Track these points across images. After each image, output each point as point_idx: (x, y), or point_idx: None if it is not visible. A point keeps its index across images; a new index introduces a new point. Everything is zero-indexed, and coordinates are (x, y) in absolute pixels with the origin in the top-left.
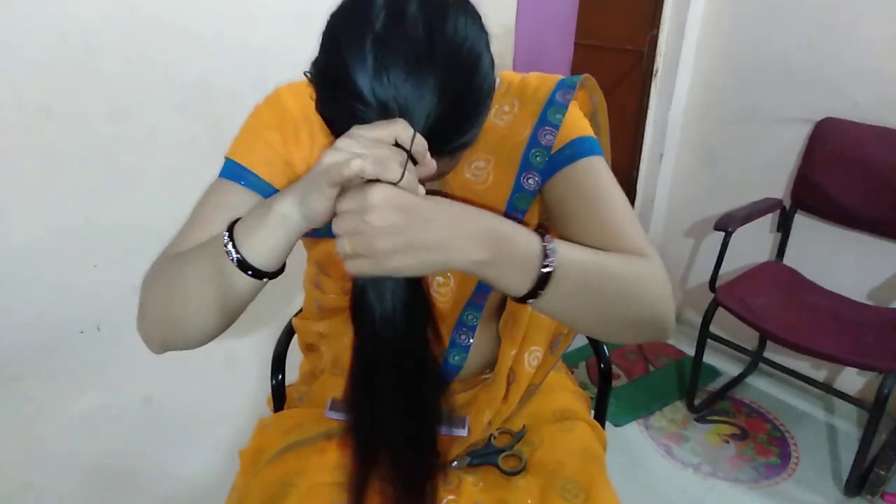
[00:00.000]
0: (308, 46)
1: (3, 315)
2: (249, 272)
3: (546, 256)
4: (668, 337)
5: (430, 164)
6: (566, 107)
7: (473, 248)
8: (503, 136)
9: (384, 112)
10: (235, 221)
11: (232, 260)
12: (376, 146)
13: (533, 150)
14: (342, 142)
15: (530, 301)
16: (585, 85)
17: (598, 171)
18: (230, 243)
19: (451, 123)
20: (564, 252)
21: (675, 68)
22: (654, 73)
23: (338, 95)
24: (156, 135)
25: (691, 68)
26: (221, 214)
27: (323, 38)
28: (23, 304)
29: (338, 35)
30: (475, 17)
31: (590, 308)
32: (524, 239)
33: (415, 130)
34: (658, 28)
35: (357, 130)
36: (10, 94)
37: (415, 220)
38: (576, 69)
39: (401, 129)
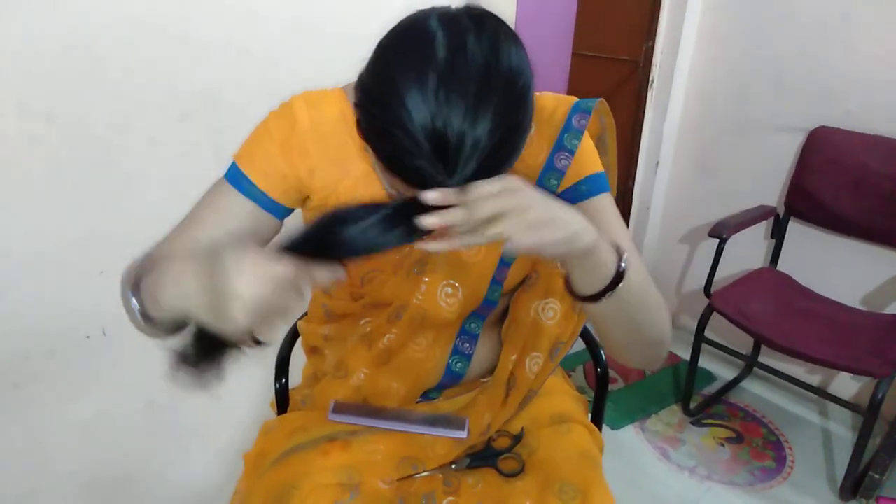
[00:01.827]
0: (309, 55)
1: (8, 321)
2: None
3: (619, 268)
4: (657, 365)
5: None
6: (582, 132)
7: (587, 233)
8: (519, 158)
9: (437, 145)
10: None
11: (132, 309)
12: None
13: (548, 175)
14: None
15: (589, 304)
16: (597, 108)
17: (608, 209)
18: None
19: (501, 156)
20: (632, 267)
21: (670, 78)
22: (649, 83)
23: (390, 127)
24: (158, 143)
25: (686, 78)
26: (216, 217)
27: (375, 62)
28: (28, 310)
29: (394, 61)
30: (522, 46)
31: (628, 323)
32: (607, 245)
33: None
34: (654, 39)
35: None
36: (13, 102)
37: (551, 201)
38: (573, 79)
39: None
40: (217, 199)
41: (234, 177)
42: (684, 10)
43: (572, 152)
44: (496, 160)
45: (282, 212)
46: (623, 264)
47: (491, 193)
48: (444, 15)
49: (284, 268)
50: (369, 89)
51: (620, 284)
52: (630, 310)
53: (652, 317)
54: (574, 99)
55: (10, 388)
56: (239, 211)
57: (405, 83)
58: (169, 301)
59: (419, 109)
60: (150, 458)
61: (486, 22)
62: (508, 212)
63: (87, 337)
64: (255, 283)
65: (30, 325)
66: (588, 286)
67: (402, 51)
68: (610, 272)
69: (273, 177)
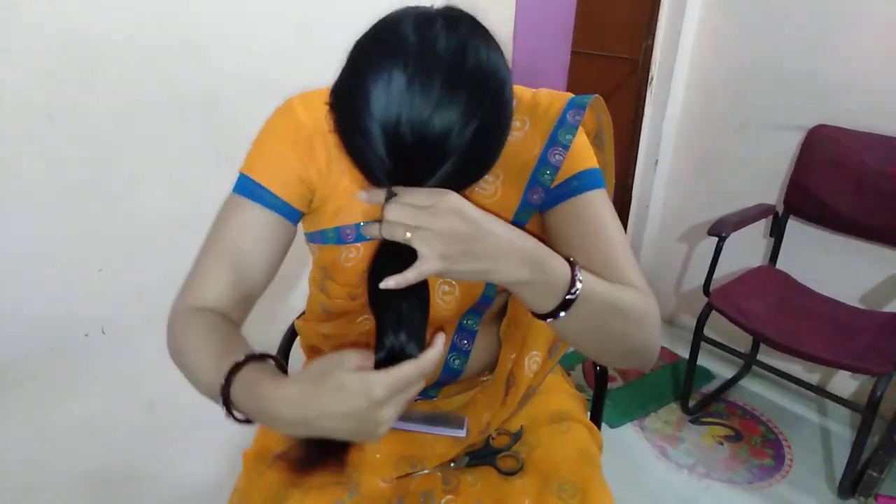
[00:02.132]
0: (310, 55)
1: (8, 319)
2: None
3: (573, 284)
4: (649, 367)
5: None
6: (576, 127)
7: (517, 268)
8: (513, 152)
9: (402, 146)
10: (241, 365)
11: (225, 410)
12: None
13: (542, 169)
14: (378, 399)
15: (549, 320)
16: (593, 104)
17: (601, 205)
18: (224, 408)
19: (475, 157)
20: (588, 282)
21: (669, 76)
22: (649, 81)
23: (354, 126)
24: (158, 141)
25: (686, 76)
26: (242, 238)
27: (346, 63)
28: (27, 309)
29: (362, 61)
30: (495, 45)
31: (596, 334)
32: (559, 266)
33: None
34: (653, 37)
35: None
36: (14, 100)
37: (477, 232)
38: (572, 77)
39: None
40: (239, 219)
41: (250, 190)
42: (684, 8)
43: (566, 147)
44: (467, 162)
45: (298, 217)
46: (576, 287)
47: (412, 204)
48: (420, 16)
49: (408, 375)
50: (338, 90)
51: (573, 306)
52: (592, 325)
53: (624, 327)
54: (569, 95)
55: (10, 386)
56: (262, 224)
57: (372, 82)
58: (276, 427)
59: (383, 109)
60: (149, 456)
61: (459, 23)
62: (421, 228)
63: (86, 335)
64: (397, 408)
65: (29, 323)
66: (535, 306)
67: (370, 51)
68: (557, 296)
69: (292, 183)
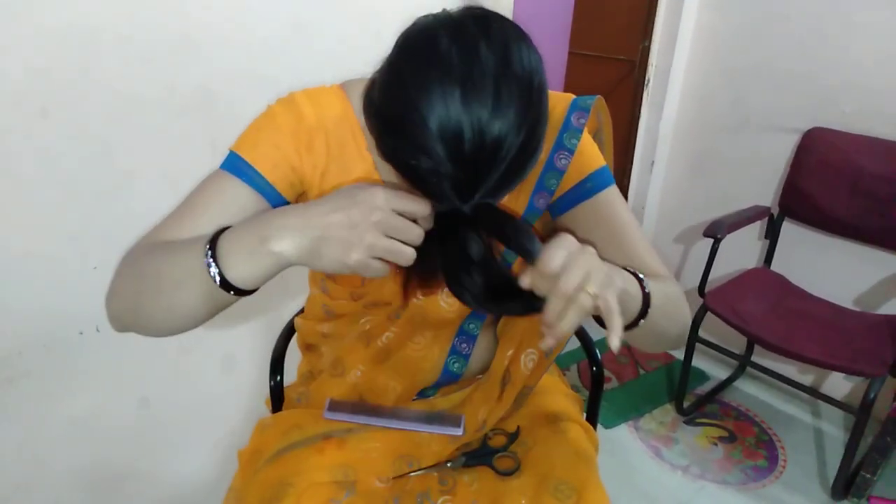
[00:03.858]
0: (306, 52)
1: (2, 316)
2: (231, 291)
3: (642, 283)
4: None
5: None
6: (581, 131)
7: (618, 275)
8: None
9: (467, 161)
10: (219, 233)
11: (213, 279)
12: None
13: (548, 174)
14: (381, 203)
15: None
16: (595, 105)
17: (616, 203)
18: (213, 264)
19: (525, 156)
20: (654, 294)
21: (666, 78)
22: (645, 82)
23: (412, 148)
24: (154, 138)
25: (682, 78)
26: (216, 206)
27: (389, 86)
28: (21, 306)
29: (410, 84)
30: (531, 43)
31: (656, 331)
32: (633, 284)
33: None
34: (650, 39)
35: (396, 199)
36: (8, 96)
37: (593, 254)
38: (569, 78)
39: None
40: (217, 188)
41: (236, 166)
42: (681, 10)
43: (571, 151)
44: (521, 162)
45: (282, 204)
46: (647, 291)
47: (565, 258)
48: (450, 25)
49: (412, 201)
50: (388, 116)
51: (649, 310)
52: (656, 324)
53: (675, 318)
54: (571, 96)
55: (3, 383)
56: (243, 200)
57: (427, 105)
58: (274, 241)
59: (446, 129)
60: (143, 454)
61: (492, 25)
62: (590, 270)
63: (81, 333)
64: (387, 226)
65: (23, 320)
66: (631, 309)
67: (416, 71)
68: (638, 305)
69: (282, 167)
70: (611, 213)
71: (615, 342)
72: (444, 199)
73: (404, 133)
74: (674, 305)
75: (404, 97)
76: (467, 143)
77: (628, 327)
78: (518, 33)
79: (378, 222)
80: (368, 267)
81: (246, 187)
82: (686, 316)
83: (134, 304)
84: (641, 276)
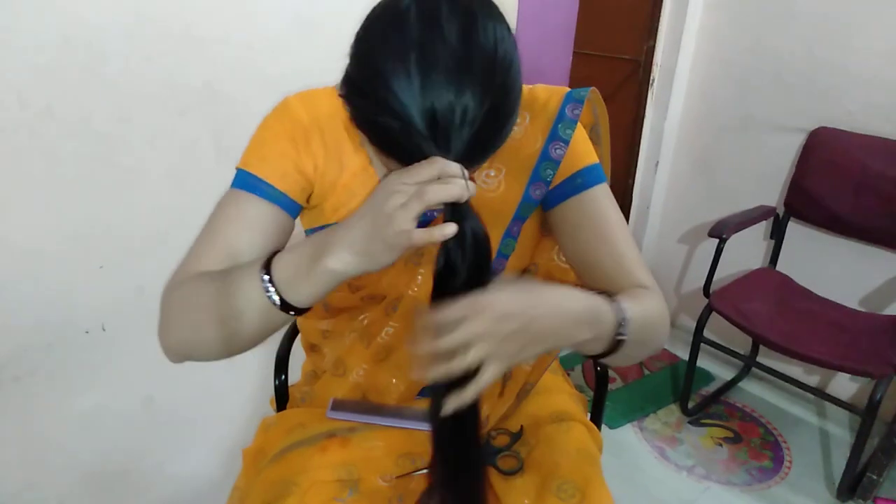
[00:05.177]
0: (310, 50)
1: (8, 315)
2: (292, 312)
3: (620, 325)
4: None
5: (472, 189)
6: (576, 122)
7: (579, 331)
8: (515, 147)
9: (429, 122)
10: (270, 258)
11: (274, 304)
12: (430, 182)
13: (544, 164)
14: (394, 183)
15: (603, 359)
16: (590, 98)
17: (605, 201)
18: (272, 290)
19: (492, 129)
20: (632, 318)
21: (671, 78)
22: (650, 82)
23: (379, 109)
24: (158, 137)
25: (687, 78)
26: (239, 226)
27: (356, 53)
28: (28, 304)
29: (373, 48)
30: (503, 20)
31: (634, 352)
32: (607, 312)
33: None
34: (655, 38)
35: (404, 174)
36: (13, 95)
37: (531, 315)
38: (574, 77)
39: (443, 166)
40: (236, 209)
41: (248, 183)
42: (685, 10)
43: (567, 142)
44: (488, 132)
45: (297, 210)
46: (623, 330)
47: (456, 319)
48: None
49: (422, 167)
50: (354, 80)
51: (622, 346)
52: (633, 349)
53: (653, 337)
54: (566, 89)
55: (9, 382)
56: (265, 215)
57: (388, 68)
58: (333, 255)
59: (405, 91)
60: (148, 453)
61: None
62: (479, 337)
63: (87, 332)
64: (405, 198)
65: (29, 318)
66: (590, 352)
67: (378, 36)
68: (610, 339)
69: (291, 174)
70: (598, 211)
71: (450, 406)
72: (414, 159)
73: (369, 95)
74: (651, 330)
75: (369, 60)
76: (424, 110)
77: (600, 356)
78: (485, 5)
79: (397, 212)
80: (412, 234)
81: (263, 202)
82: (663, 334)
83: (192, 337)
84: (622, 305)
